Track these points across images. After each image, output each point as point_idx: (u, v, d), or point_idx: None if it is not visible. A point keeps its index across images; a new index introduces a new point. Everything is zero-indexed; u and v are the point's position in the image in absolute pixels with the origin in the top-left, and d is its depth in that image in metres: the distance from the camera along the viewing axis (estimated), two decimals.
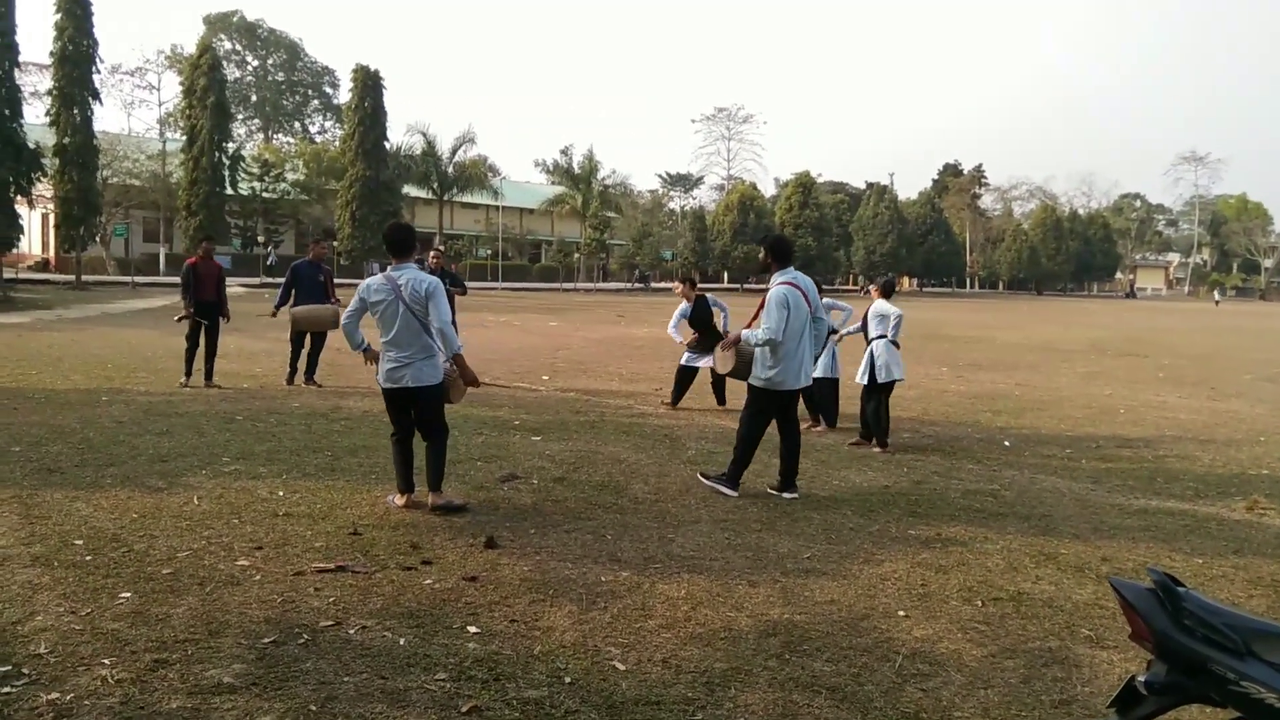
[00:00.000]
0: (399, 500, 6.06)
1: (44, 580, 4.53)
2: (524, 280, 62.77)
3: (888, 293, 9.48)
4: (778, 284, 6.70)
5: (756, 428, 6.84)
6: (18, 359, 13.72)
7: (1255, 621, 2.42)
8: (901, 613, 4.54)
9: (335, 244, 53.47)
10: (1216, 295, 79.10)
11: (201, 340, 11.28)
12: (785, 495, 6.78)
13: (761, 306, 6.77)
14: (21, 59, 32.69)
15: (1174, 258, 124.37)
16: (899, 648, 4.13)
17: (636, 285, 68.30)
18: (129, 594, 4.38)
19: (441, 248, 13.02)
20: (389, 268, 6.11)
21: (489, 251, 65.95)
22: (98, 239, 41.39)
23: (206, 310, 11.29)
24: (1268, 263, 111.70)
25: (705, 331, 10.84)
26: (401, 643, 3.97)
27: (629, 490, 6.80)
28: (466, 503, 6.15)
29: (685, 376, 10.98)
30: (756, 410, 6.87)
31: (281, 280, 12.38)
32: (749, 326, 7.16)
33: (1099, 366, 18.35)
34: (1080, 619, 4.55)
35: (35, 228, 47.92)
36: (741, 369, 7.11)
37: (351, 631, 4.07)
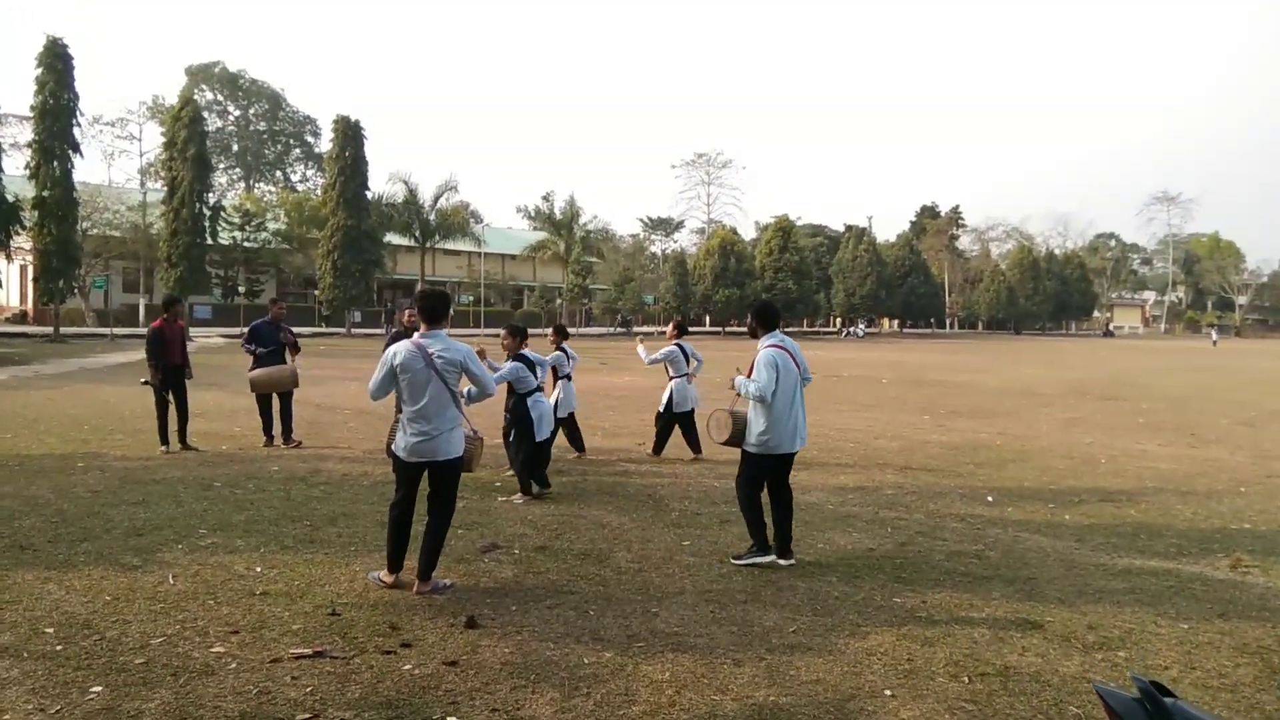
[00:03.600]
0: (385, 577, 5.89)
1: (13, 674, 4.41)
2: (502, 324, 62.71)
3: (681, 332, 11.84)
4: (765, 347, 6.79)
5: (754, 492, 6.83)
6: None
7: None
8: (888, 692, 4.49)
9: (316, 293, 53.46)
10: (1214, 335, 73.43)
11: (171, 403, 11.16)
12: (781, 562, 6.71)
13: (751, 368, 6.79)
14: (2, 112, 32.78)
15: (1149, 296, 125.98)
16: None
17: (619, 330, 68.42)
18: (100, 688, 4.28)
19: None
20: (417, 334, 5.93)
21: (471, 298, 66.06)
22: (77, 291, 41.23)
23: (173, 374, 11.18)
24: (1241, 300, 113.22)
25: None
26: None
27: (612, 559, 6.73)
28: (453, 582, 6.01)
29: (667, 428, 11.41)
30: (749, 475, 6.85)
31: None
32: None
33: (1078, 412, 18.44)
34: (1068, 695, 4.51)
35: (14, 280, 47.71)
36: (736, 437, 7.16)
37: None
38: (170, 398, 11.17)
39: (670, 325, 12.23)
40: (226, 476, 9.49)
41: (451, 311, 6.26)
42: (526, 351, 8.97)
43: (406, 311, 11.69)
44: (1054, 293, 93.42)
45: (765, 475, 6.85)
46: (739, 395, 6.98)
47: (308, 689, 4.34)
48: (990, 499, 9.41)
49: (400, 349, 5.81)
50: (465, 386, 6.08)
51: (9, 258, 35.16)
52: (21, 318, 47.41)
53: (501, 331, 9.33)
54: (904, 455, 12.11)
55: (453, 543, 6.93)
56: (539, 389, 8.97)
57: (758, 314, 7.05)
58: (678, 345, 11.69)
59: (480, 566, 6.47)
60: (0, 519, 7.45)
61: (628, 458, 11.48)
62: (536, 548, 6.98)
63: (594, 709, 4.21)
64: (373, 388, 5.92)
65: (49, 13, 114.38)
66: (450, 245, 62.91)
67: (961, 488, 10.00)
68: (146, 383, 11.38)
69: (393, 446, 6.01)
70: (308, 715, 4.06)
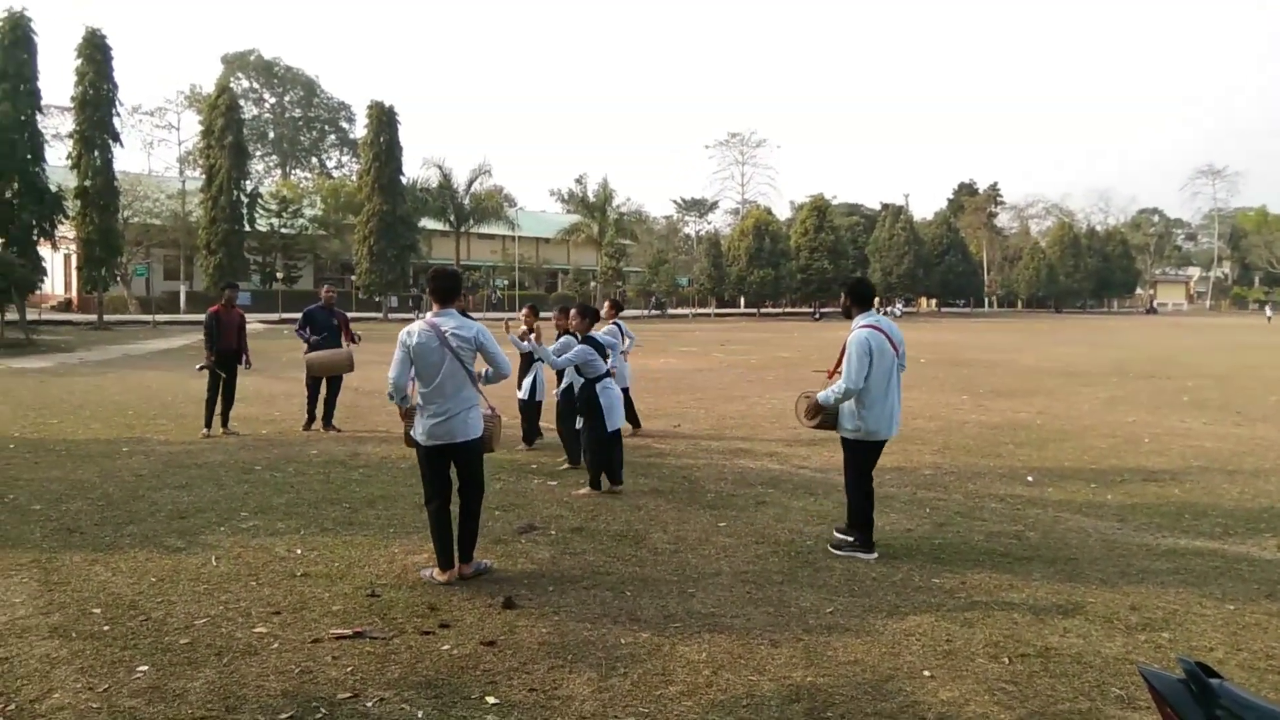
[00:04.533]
0: (439, 576, 5.70)
1: (62, 653, 4.51)
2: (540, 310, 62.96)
3: (618, 310, 12.07)
4: (859, 328, 6.43)
5: (866, 484, 6.54)
6: (40, 406, 13.83)
7: None
8: (927, 673, 4.46)
9: (353, 279, 53.96)
10: (1268, 311, 73.09)
11: (220, 389, 11.34)
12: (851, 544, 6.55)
13: (842, 354, 6.49)
14: (43, 103, 33.28)
15: (1194, 272, 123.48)
16: (925, 712, 4.05)
17: (653, 312, 68.36)
18: (146, 667, 4.36)
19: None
20: (430, 314, 5.84)
21: (506, 282, 66.32)
22: (119, 279, 41.95)
23: (227, 359, 11.35)
24: None
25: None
26: (419, 716, 3.93)
27: (648, 540, 6.74)
28: (492, 563, 6.04)
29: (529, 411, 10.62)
30: (856, 465, 6.55)
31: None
32: (830, 376, 6.79)
33: (1121, 391, 18.16)
34: (1110, 676, 4.44)
35: (58, 268, 48.58)
36: (829, 419, 6.66)
37: (369, 704, 4.03)
38: (222, 380, 11.32)
39: (606, 304, 12.25)
40: (267, 460, 9.62)
41: (463, 289, 6.04)
42: (596, 334, 8.70)
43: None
44: (1095, 270, 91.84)
45: (872, 461, 6.56)
46: (825, 406, 6.50)
47: (348, 669, 4.39)
48: (1030, 479, 9.30)
49: (414, 329, 5.73)
50: (482, 368, 6.00)
51: (54, 247, 35.77)
52: (66, 306, 48.30)
53: (571, 311, 8.92)
54: (942, 435, 12.00)
55: (490, 524, 6.97)
56: (608, 374, 8.49)
57: (852, 291, 6.67)
58: (616, 324, 11.51)
59: (517, 547, 6.50)
60: (48, 502, 7.62)
61: (663, 439, 11.47)
62: (573, 529, 7.01)
63: (631, 689, 4.22)
64: (393, 373, 5.77)
65: (88, 3, 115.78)
66: (484, 229, 63.19)
67: (1000, 468, 9.89)
68: (202, 367, 11.54)
69: (411, 433, 5.88)
70: (348, 694, 4.11)
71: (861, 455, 6.55)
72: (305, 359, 11.71)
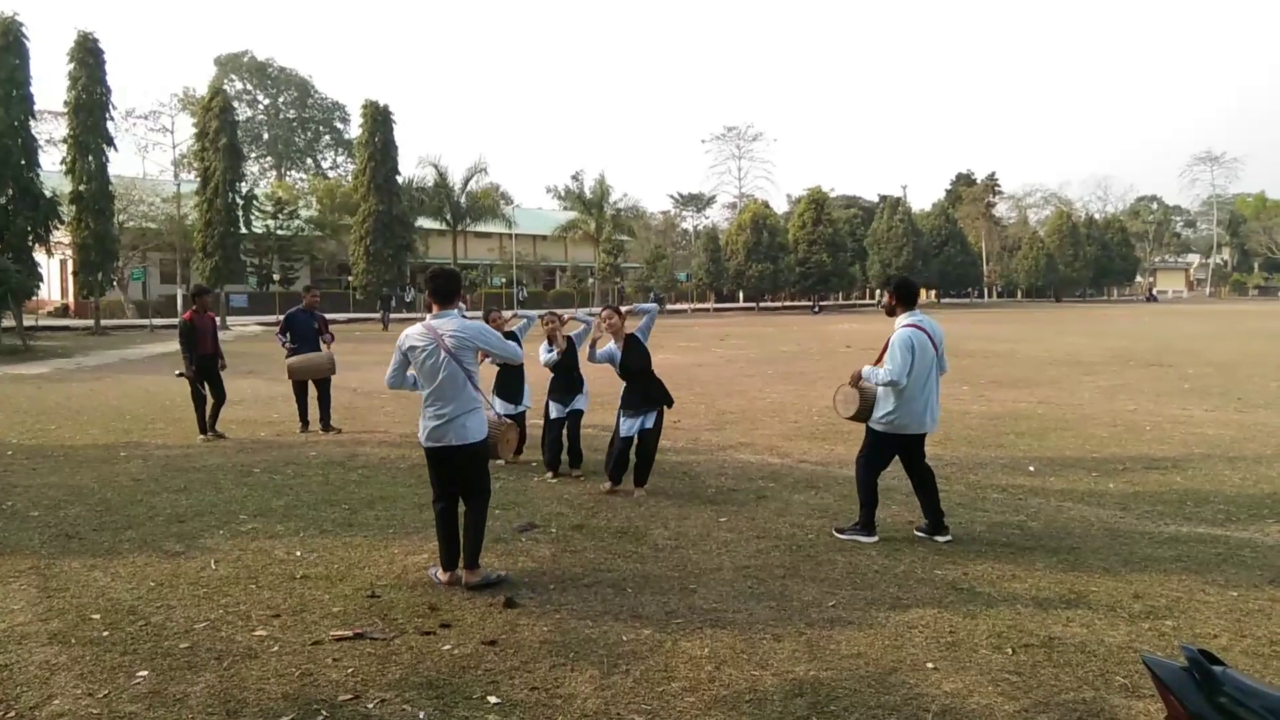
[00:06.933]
0: (442, 575, 5.67)
1: (61, 659, 4.49)
2: (538, 307, 63.01)
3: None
4: (903, 326, 6.52)
5: (872, 472, 6.66)
6: (38, 413, 13.81)
7: None
8: (930, 665, 4.44)
9: (350, 279, 53.92)
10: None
11: (207, 392, 11.29)
12: (938, 539, 6.60)
13: (885, 349, 6.55)
14: (37, 108, 33.21)
15: (1194, 259, 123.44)
16: (929, 704, 4.03)
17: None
18: (146, 672, 4.34)
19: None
20: (428, 316, 5.76)
21: (504, 280, 66.30)
22: (115, 283, 41.86)
23: (207, 365, 11.30)
24: None
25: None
26: (421, 716, 3.91)
27: (649, 536, 6.72)
28: (505, 574, 5.79)
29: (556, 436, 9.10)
30: (870, 454, 6.70)
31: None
32: (877, 364, 6.81)
33: (1122, 379, 18.13)
34: (1114, 665, 4.43)
35: (54, 274, 48.51)
36: (863, 412, 6.76)
37: (371, 705, 4.01)
38: (205, 388, 11.29)
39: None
40: (265, 462, 9.60)
41: (462, 289, 5.85)
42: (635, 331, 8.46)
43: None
44: (1094, 258, 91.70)
45: (889, 455, 6.69)
46: (866, 385, 6.66)
47: (349, 670, 4.37)
48: (1032, 469, 9.29)
49: (411, 331, 5.68)
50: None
51: (49, 252, 35.68)
52: (63, 311, 48.26)
53: (606, 311, 8.51)
54: (943, 426, 11.88)
55: (490, 523, 6.90)
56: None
57: (898, 289, 6.73)
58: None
59: (518, 546, 6.48)
60: (46, 508, 7.60)
61: (663, 435, 11.41)
62: (573, 526, 6.99)
63: (633, 686, 4.20)
64: (388, 376, 5.81)
65: (79, 8, 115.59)
66: (481, 227, 63.04)
67: (1002, 458, 9.88)
68: (181, 375, 11.51)
69: (419, 437, 5.82)
70: (349, 696, 4.09)
71: (882, 444, 6.68)
72: (287, 364, 11.72)
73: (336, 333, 13.24)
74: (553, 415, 9.03)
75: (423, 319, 5.91)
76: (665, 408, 8.27)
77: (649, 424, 8.02)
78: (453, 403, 5.59)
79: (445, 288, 5.74)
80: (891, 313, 6.73)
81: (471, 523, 5.71)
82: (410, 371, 5.76)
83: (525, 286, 64.88)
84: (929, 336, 6.50)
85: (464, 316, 5.81)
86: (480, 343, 5.70)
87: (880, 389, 6.60)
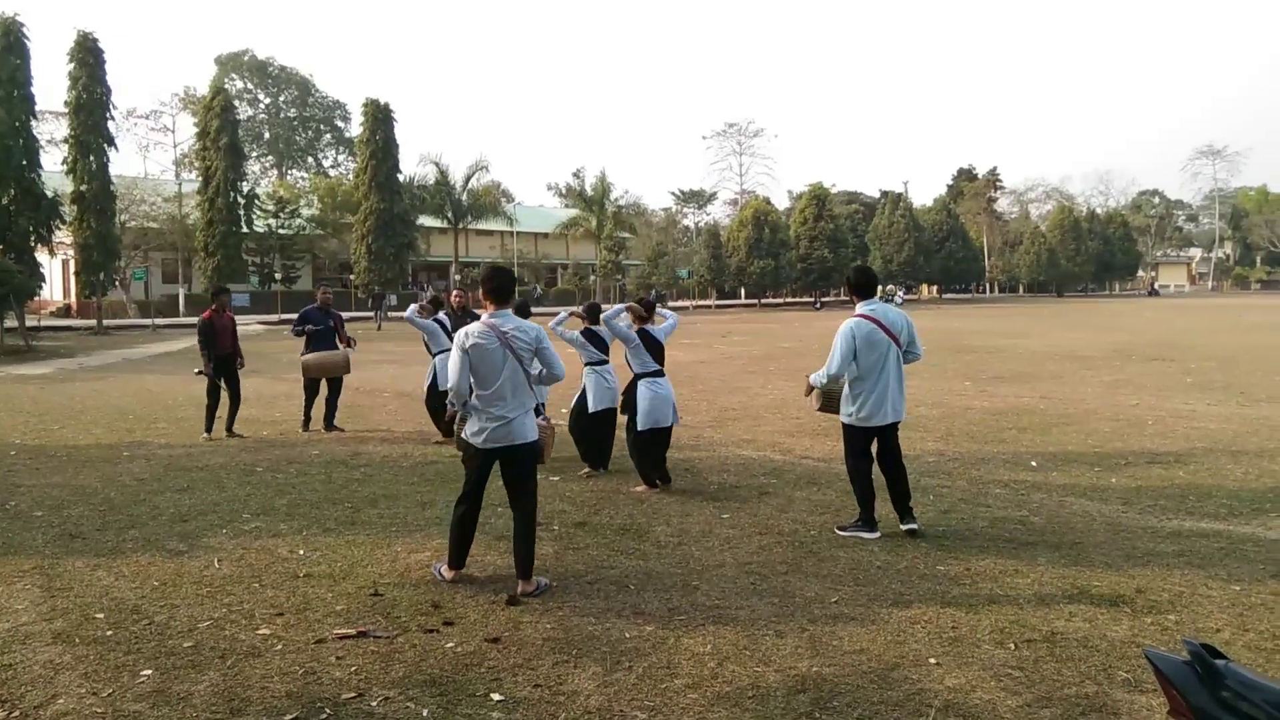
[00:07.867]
0: (447, 573, 5.63)
1: (65, 659, 4.50)
2: (541, 305, 63.03)
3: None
4: (852, 317, 6.59)
5: (861, 465, 6.73)
6: (41, 413, 13.82)
7: None
8: (933, 660, 4.44)
9: (351, 278, 53.91)
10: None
11: (223, 392, 11.31)
12: (903, 528, 6.62)
13: None
14: (37, 108, 33.22)
15: (1196, 253, 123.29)
16: (931, 699, 4.03)
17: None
18: (150, 671, 4.35)
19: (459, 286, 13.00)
20: (486, 314, 5.49)
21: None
22: (117, 283, 41.88)
23: (226, 364, 11.33)
24: None
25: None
26: (425, 714, 3.92)
27: (651, 533, 6.73)
28: (550, 582, 5.61)
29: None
30: (851, 449, 6.80)
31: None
32: None
33: (1124, 374, 18.12)
34: (1117, 660, 4.43)
35: (56, 274, 48.55)
36: (831, 405, 6.97)
37: (374, 704, 4.02)
38: (223, 386, 11.32)
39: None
40: (268, 461, 9.61)
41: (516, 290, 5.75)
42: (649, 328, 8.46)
43: (454, 293, 11.77)
44: (1096, 253, 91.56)
45: (865, 446, 6.74)
46: (816, 389, 6.88)
47: (352, 668, 4.38)
48: (1034, 464, 9.28)
49: (472, 330, 5.43)
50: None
51: (51, 253, 35.69)
52: (65, 311, 48.27)
53: (632, 305, 8.60)
54: (945, 422, 11.97)
55: (491, 520, 6.94)
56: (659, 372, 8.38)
57: (851, 279, 6.87)
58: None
59: None
60: (50, 508, 7.61)
61: None
62: (576, 524, 7.00)
63: (636, 682, 4.21)
64: (452, 379, 5.48)
65: (79, 7, 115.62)
66: (482, 225, 63.06)
67: (1004, 453, 9.87)
68: (200, 372, 11.54)
69: (464, 434, 5.57)
70: (353, 694, 4.10)
71: (856, 440, 6.74)
72: (302, 361, 11.71)
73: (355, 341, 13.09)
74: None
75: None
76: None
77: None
78: (514, 402, 5.43)
79: (501, 286, 5.54)
80: (850, 303, 6.82)
81: (524, 532, 5.50)
82: None
83: (537, 285, 64.51)
84: (880, 326, 6.52)
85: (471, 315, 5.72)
86: (541, 345, 5.50)
87: (846, 386, 6.66)
